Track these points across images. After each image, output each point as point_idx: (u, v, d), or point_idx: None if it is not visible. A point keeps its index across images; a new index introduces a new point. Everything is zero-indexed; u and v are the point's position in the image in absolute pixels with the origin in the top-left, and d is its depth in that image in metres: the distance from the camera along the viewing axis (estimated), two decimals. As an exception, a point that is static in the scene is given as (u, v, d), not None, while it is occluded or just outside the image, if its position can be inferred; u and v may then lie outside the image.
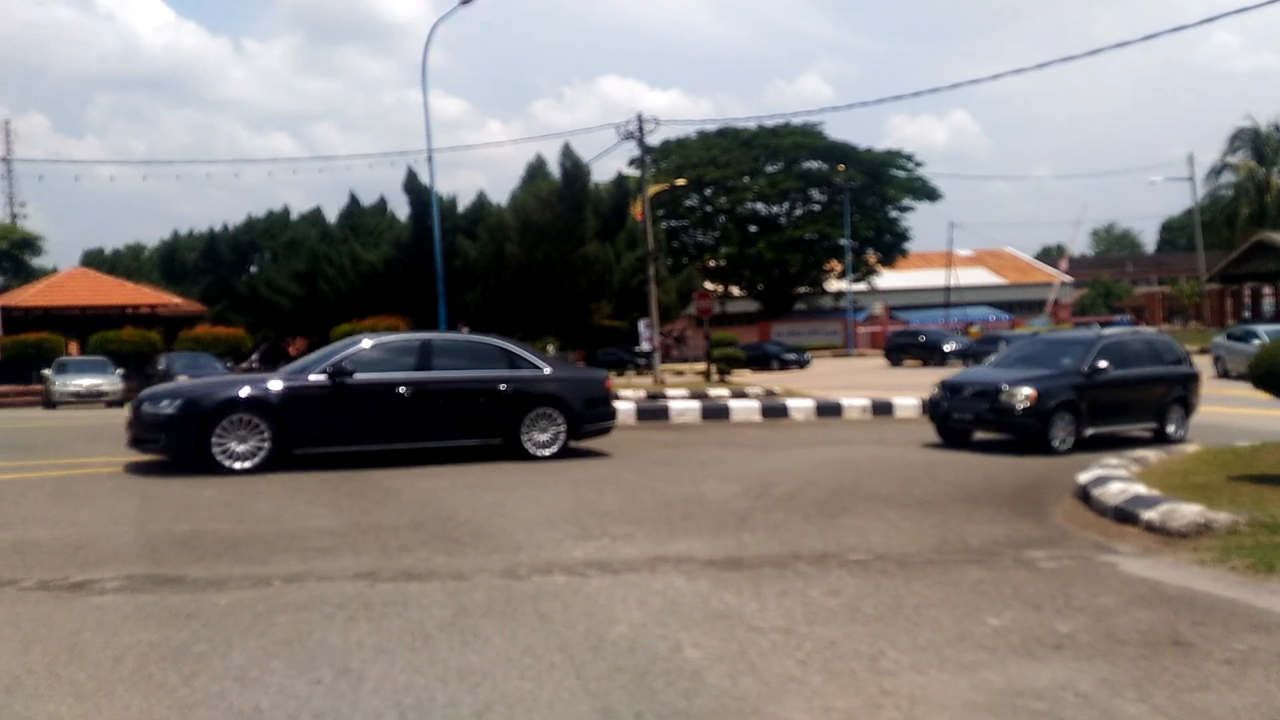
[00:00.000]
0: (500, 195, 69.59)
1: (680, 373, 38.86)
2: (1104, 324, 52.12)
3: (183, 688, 4.00)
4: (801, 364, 44.17)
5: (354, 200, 45.41)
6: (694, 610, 5.14)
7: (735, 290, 61.11)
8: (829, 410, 18.97)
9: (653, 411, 18.29)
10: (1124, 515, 7.42)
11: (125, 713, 3.74)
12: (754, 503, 8.57)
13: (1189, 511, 6.95)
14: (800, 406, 19.09)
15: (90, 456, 12.43)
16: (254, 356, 36.66)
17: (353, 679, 4.09)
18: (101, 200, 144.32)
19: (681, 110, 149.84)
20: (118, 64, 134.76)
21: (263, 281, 43.70)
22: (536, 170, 36.26)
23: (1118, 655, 4.40)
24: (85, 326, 36.10)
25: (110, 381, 27.88)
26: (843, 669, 4.22)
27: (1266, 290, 48.84)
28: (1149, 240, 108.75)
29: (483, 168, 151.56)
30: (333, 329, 37.16)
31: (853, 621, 4.95)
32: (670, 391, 24.90)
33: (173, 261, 52.87)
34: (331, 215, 47.40)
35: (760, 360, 43.35)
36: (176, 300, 40.65)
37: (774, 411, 18.75)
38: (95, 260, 57.73)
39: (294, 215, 52.13)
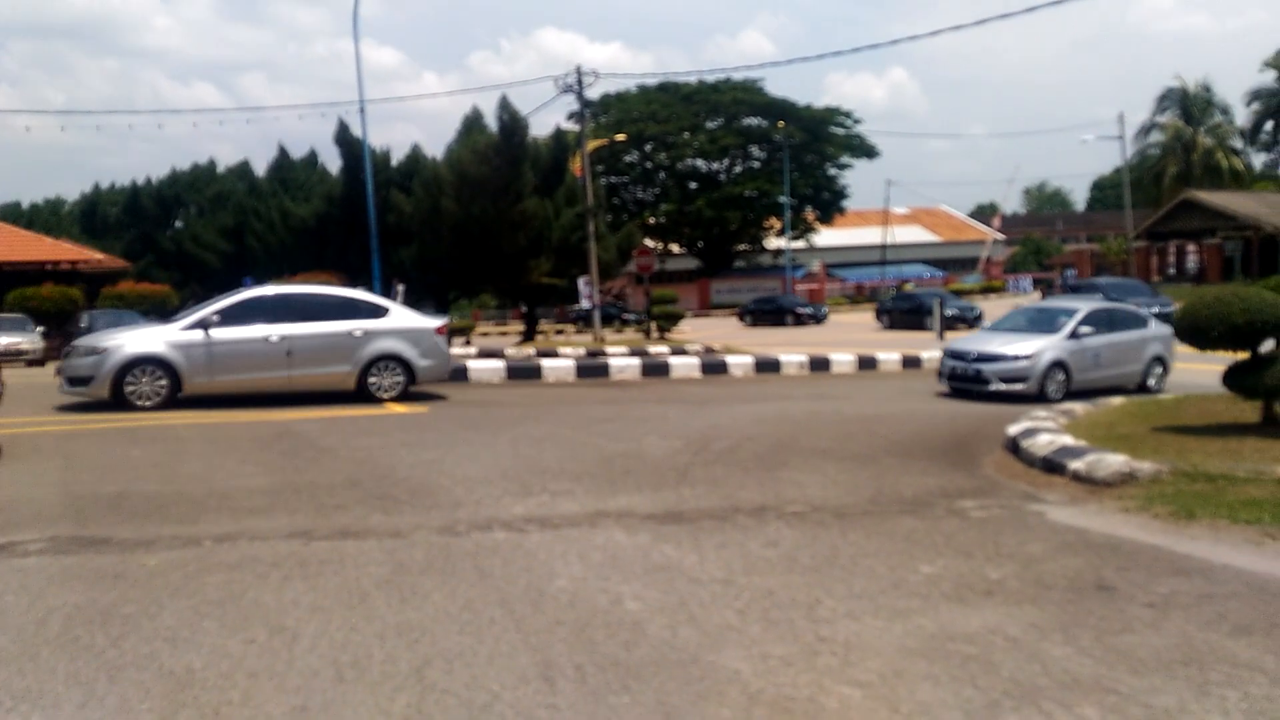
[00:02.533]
0: (436, 149, 68.31)
1: (620, 330, 38.86)
2: (1058, 277, 53.34)
3: (111, 649, 3.91)
4: (819, 319, 43.03)
5: (283, 153, 44.27)
6: (634, 563, 5.16)
7: (675, 248, 61.05)
8: (768, 366, 19.14)
9: (593, 369, 18.27)
10: (1052, 466, 7.61)
11: (51, 676, 3.64)
12: (694, 458, 8.61)
13: (1114, 461, 7.15)
14: (739, 363, 19.24)
15: (12, 416, 12.01)
16: (180, 314, 35.72)
17: (288, 637, 4.03)
18: (18, 152, 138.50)
19: (622, 64, 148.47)
20: (33, 10, 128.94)
21: (188, 237, 42.49)
22: (473, 123, 35.60)
23: (1045, 600, 4.52)
24: (2, 283, 34.77)
25: (30, 340, 26.94)
26: (780, 618, 4.28)
27: (1191, 248, 50.26)
28: (1079, 199, 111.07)
29: (418, 120, 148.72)
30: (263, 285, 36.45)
31: (790, 571, 5.01)
32: (610, 349, 24.90)
33: (94, 216, 51.20)
34: (260, 168, 46.32)
35: (774, 314, 42.77)
36: (98, 256, 39.30)
37: (714, 368, 18.87)
38: (12, 214, 55.61)
39: (220, 168, 50.78)
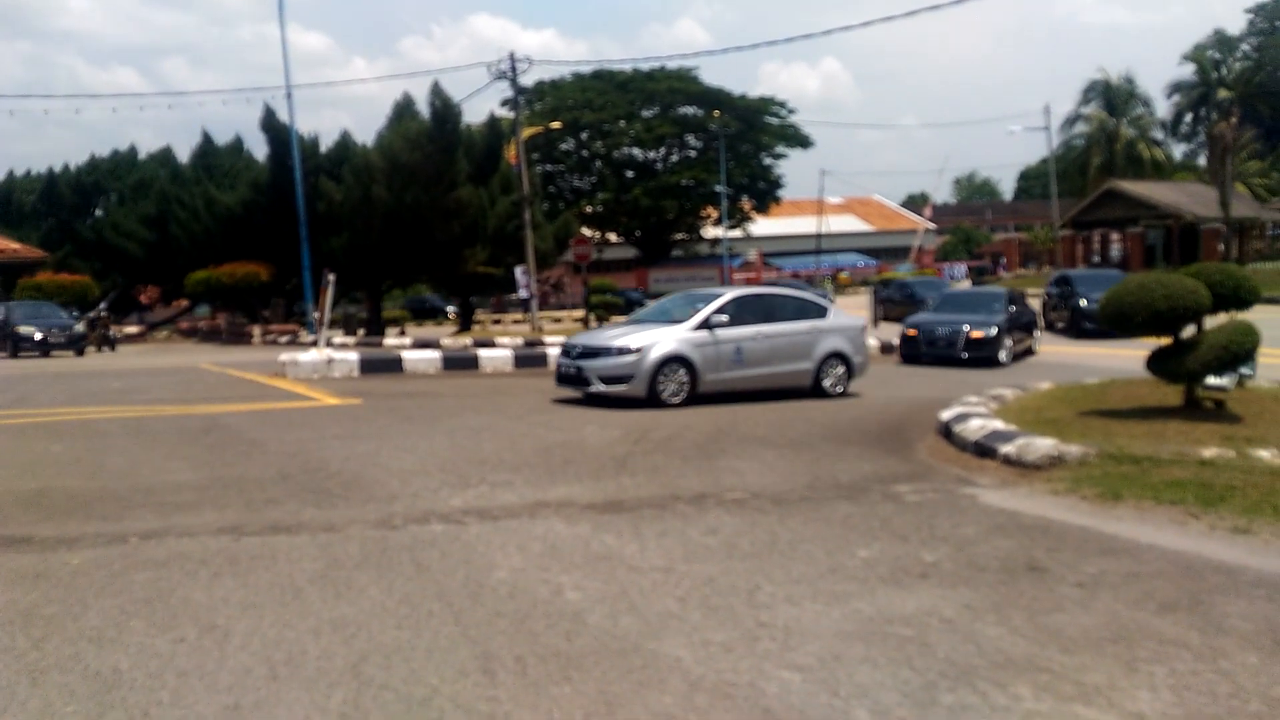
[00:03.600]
0: (366, 136, 67.29)
1: (558, 319, 38.68)
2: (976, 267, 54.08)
3: (33, 651, 3.77)
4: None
5: (207, 139, 43.10)
6: (574, 553, 5.13)
7: (613, 237, 60.95)
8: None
9: (531, 358, 18.15)
10: (983, 450, 7.76)
11: (-34, 682, 3.50)
12: (633, 447, 8.60)
13: (1043, 445, 7.31)
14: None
15: (-79, 412, 11.54)
16: (102, 305, 34.56)
17: (219, 635, 3.93)
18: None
19: (556, 51, 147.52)
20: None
21: (109, 225, 41.09)
22: (404, 110, 35.02)
23: (979, 582, 4.60)
24: (-88, 274, 33.40)
25: (-56, 333, 25.90)
26: (721, 604, 4.29)
27: (1115, 236, 51.66)
28: (1007, 188, 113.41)
29: (348, 107, 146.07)
30: (188, 275, 35.42)
31: (730, 558, 5.03)
32: (548, 339, 24.77)
33: (9, 204, 49.30)
34: (183, 155, 44.98)
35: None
36: (14, 246, 37.98)
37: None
38: (-79, 202, 53.24)
39: (142, 155, 49.25)
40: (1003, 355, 17.78)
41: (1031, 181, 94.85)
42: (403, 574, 4.77)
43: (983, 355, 17.70)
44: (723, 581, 4.62)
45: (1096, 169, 56.22)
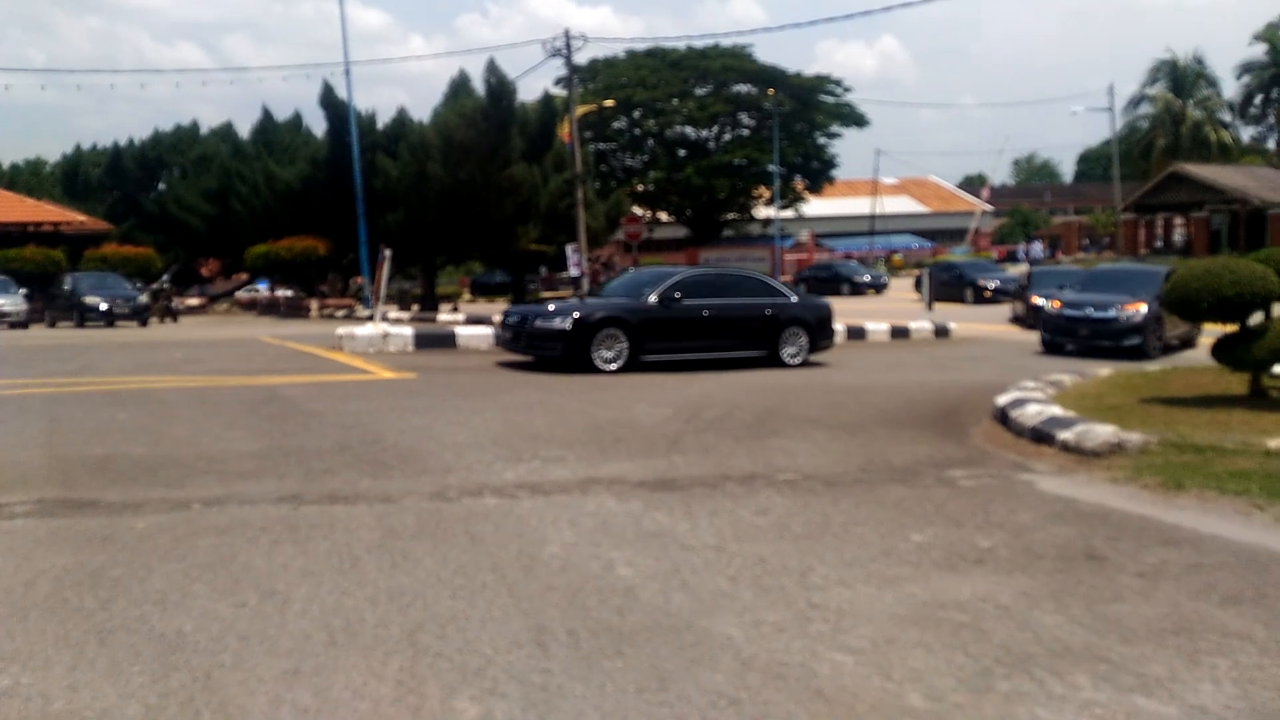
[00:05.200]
0: (422, 113, 67.73)
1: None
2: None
3: (100, 612, 3.88)
4: (879, 288, 40.71)
5: (267, 115, 43.62)
6: (626, 530, 5.15)
7: (664, 216, 60.77)
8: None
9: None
10: (1041, 436, 7.64)
11: (40, 638, 3.61)
12: (684, 425, 8.60)
13: (1103, 432, 7.18)
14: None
15: (-7, 379, 11.90)
16: (165, 277, 35.38)
17: (279, 601, 4.01)
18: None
19: (611, 28, 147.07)
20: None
21: (172, 199, 41.90)
22: (460, 87, 35.17)
23: (1036, 569, 4.54)
24: (-17, 244, 34.36)
25: (13, 302, 26.70)
26: (772, 584, 4.28)
27: (1179, 221, 50.37)
28: (1067, 171, 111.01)
29: (404, 83, 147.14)
30: (247, 249, 36.04)
31: (782, 539, 5.01)
32: (598, 316, 24.76)
33: (75, 177, 50.54)
34: (244, 131, 45.52)
35: (829, 283, 40.24)
36: (81, 218, 38.90)
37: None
38: (-8, 175, 54.82)
39: (204, 130, 50.05)
40: (604, 358, 13.15)
41: (1093, 164, 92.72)
42: (457, 545, 4.83)
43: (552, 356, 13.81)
44: (774, 562, 4.61)
45: (1161, 151, 54.79)
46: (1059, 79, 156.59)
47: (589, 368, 12.86)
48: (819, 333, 14.68)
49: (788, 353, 14.23)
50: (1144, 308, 16.27)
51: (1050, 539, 5.04)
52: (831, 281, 40.60)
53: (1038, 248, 57.13)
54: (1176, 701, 3.17)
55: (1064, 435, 7.35)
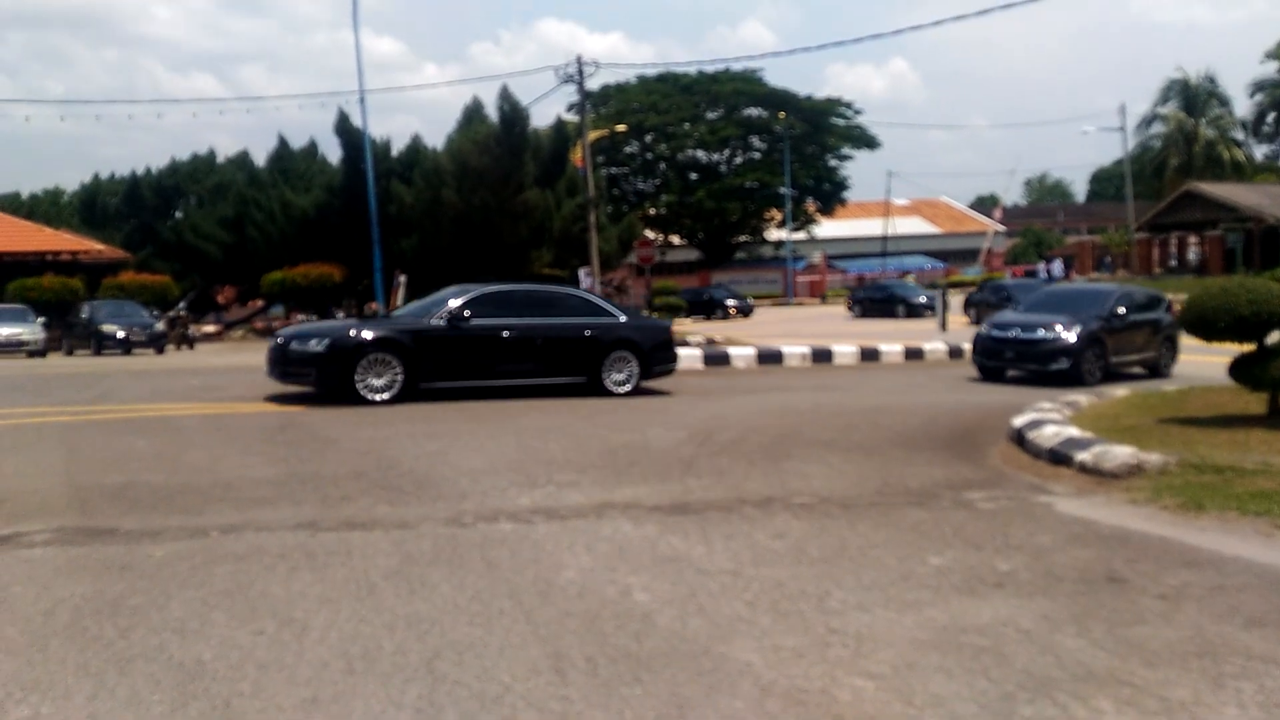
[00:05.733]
0: (436, 139, 68.06)
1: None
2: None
3: (120, 640, 3.89)
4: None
5: (283, 143, 44.07)
6: (642, 555, 5.14)
7: (676, 239, 60.93)
8: (770, 358, 19.13)
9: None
10: (1058, 457, 7.59)
11: (60, 667, 3.62)
12: (698, 449, 8.59)
13: (1121, 453, 7.13)
14: (742, 354, 19.23)
15: (12, 407, 12.00)
16: (182, 305, 35.60)
17: (297, 629, 4.01)
18: (17, 143, 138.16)
19: (623, 54, 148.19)
20: (33, 1, 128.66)
21: (188, 227, 42.27)
22: (473, 114, 35.46)
23: (1056, 592, 4.50)
24: (2, 274, 34.73)
25: (31, 330, 26.91)
26: (790, 609, 4.26)
27: (1193, 239, 50.19)
28: (1080, 190, 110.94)
29: (418, 111, 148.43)
30: (263, 276, 36.27)
31: (799, 563, 4.99)
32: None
33: (93, 206, 51.04)
34: (260, 159, 45.99)
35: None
36: (99, 246, 39.26)
37: (716, 359, 18.85)
38: (11, 205, 55.41)
39: (220, 158, 50.57)
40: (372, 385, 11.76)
41: (1105, 183, 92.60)
42: (474, 571, 4.83)
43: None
44: (792, 586, 4.59)
45: (1174, 170, 54.70)
46: (1070, 99, 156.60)
47: (354, 398, 11.42)
48: (653, 357, 13.30)
49: (613, 379, 12.92)
50: (1076, 329, 15.04)
51: (1070, 561, 5.00)
52: (886, 303, 39.36)
53: (1058, 266, 56.87)
54: (1202, 726, 3.13)
55: (1082, 456, 7.30)
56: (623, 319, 13.54)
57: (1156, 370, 16.19)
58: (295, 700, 3.34)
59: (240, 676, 3.53)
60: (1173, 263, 51.06)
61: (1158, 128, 58.39)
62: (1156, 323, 16.41)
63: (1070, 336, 15.00)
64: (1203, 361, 15.42)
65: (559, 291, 14.50)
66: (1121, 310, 15.73)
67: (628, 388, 13.00)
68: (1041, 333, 15.28)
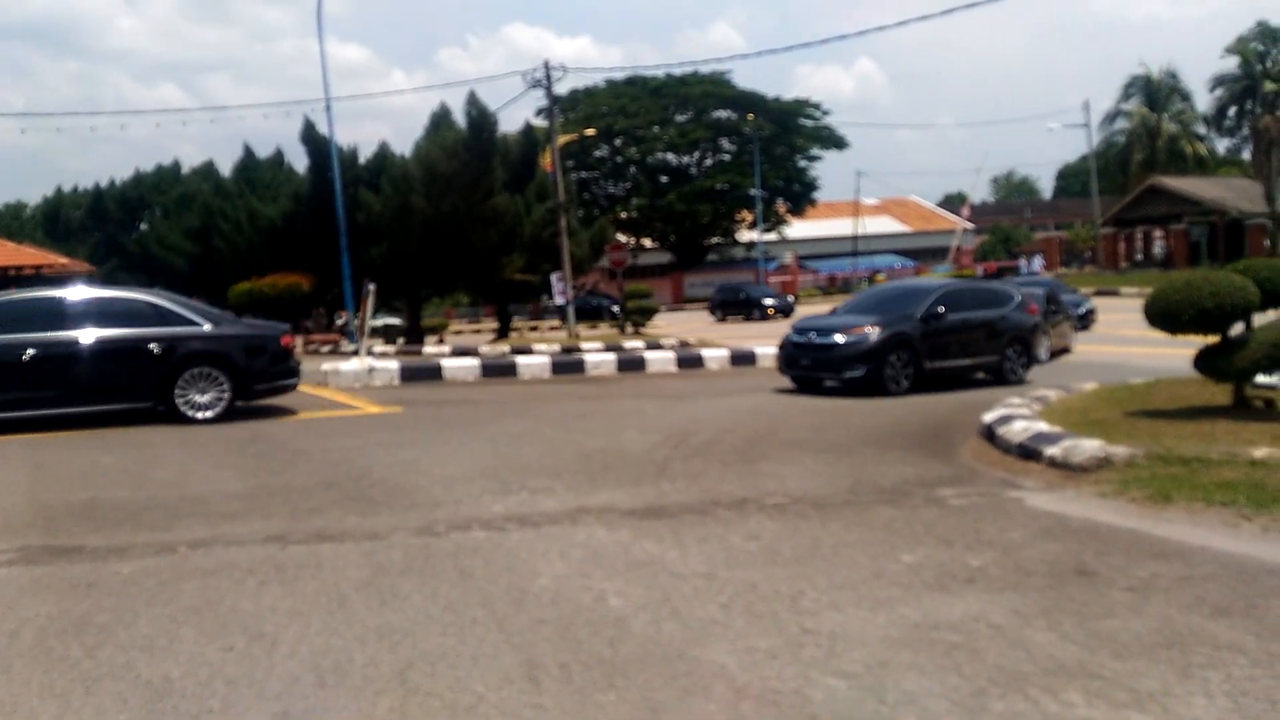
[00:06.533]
0: (404, 146, 67.84)
1: (595, 325, 38.76)
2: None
3: (86, 660, 3.83)
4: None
5: (249, 153, 43.67)
6: (616, 560, 5.13)
7: (648, 242, 61.01)
8: (743, 359, 19.15)
9: (568, 365, 18.22)
10: (1028, 452, 7.66)
11: (25, 688, 3.57)
12: (672, 452, 8.59)
13: (1089, 447, 7.20)
14: (715, 356, 19.23)
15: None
16: (150, 317, 35.19)
17: (267, 644, 3.97)
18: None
19: (591, 58, 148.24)
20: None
21: (154, 239, 41.93)
22: (441, 120, 35.28)
23: (1027, 586, 4.54)
24: (-36, 289, 34.20)
25: (-5, 347, 26.49)
26: (764, 610, 4.26)
27: (1158, 233, 50.83)
28: (1046, 187, 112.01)
29: (387, 118, 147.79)
30: (231, 287, 35.93)
31: (773, 564, 5.00)
32: (585, 345, 24.84)
33: (57, 220, 50.44)
34: (225, 169, 45.58)
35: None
36: (63, 260, 38.69)
37: (689, 362, 18.85)
38: (-27, 219, 54.64)
39: (185, 169, 50.12)
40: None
41: (1071, 179, 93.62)
42: (446, 581, 4.80)
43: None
44: (765, 588, 4.59)
45: (1138, 165, 55.39)
46: (1035, 97, 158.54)
47: None
48: (252, 373, 11.29)
49: (192, 403, 10.97)
50: (876, 332, 13.29)
51: (1040, 556, 5.04)
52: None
53: (1039, 262, 57.51)
54: (1170, 716, 3.17)
55: (1051, 451, 7.37)
56: (207, 327, 11.28)
57: (1001, 375, 14.30)
58: (265, 715, 3.31)
59: (209, 693, 3.49)
60: (1139, 257, 51.72)
61: (1121, 123, 59.13)
62: (995, 322, 14.41)
63: (868, 340, 13.21)
64: (1166, 354, 15.64)
65: (121, 297, 11.67)
66: (940, 310, 13.83)
67: (212, 412, 11.02)
68: (837, 337, 13.41)
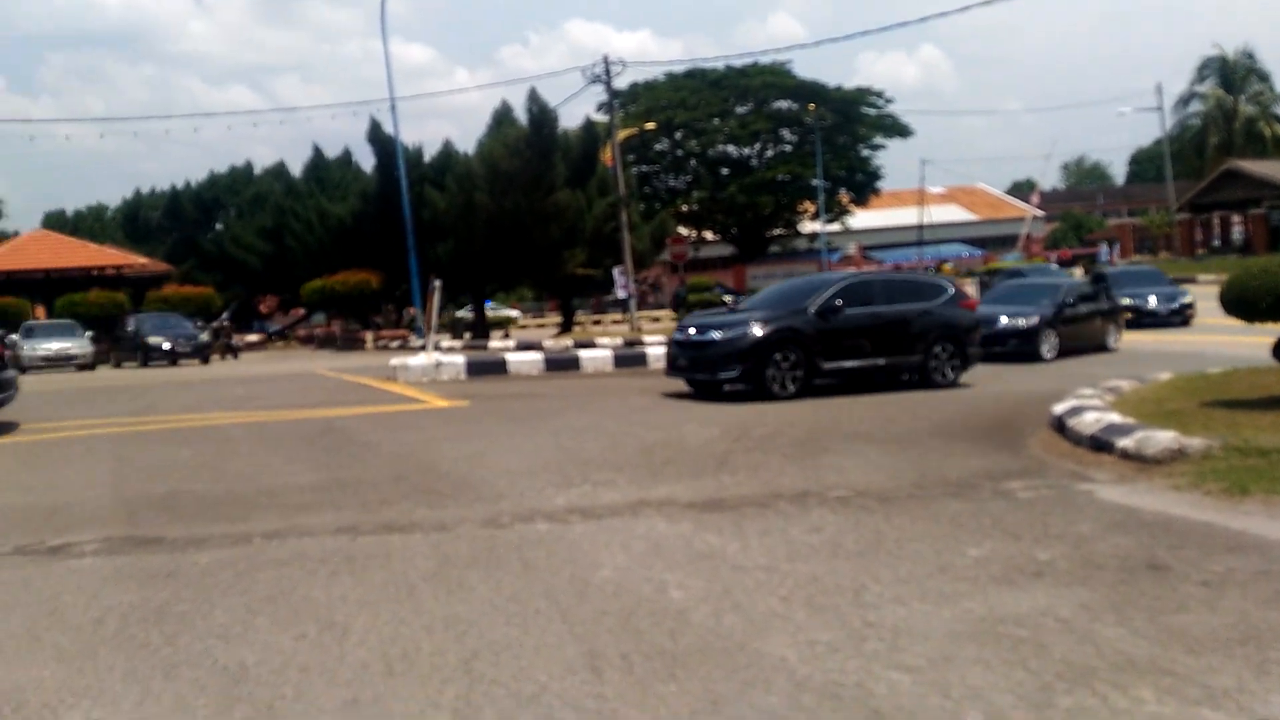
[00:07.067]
0: (468, 144, 68.62)
1: (657, 318, 38.80)
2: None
3: (166, 647, 3.98)
4: None
5: (318, 153, 44.60)
6: (677, 552, 5.15)
7: (709, 235, 60.83)
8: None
9: (630, 358, 18.26)
10: (1099, 444, 7.49)
11: (109, 674, 3.71)
12: (733, 444, 8.59)
13: (1163, 438, 7.02)
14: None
15: (62, 420, 12.27)
16: (225, 315, 36.20)
17: (338, 632, 4.08)
18: (60, 161, 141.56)
19: (651, 52, 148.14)
20: (72, 21, 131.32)
21: (229, 239, 43.06)
22: (503, 117, 35.67)
23: (1096, 581, 4.45)
24: (50, 289, 35.52)
25: (79, 345, 27.50)
26: (826, 604, 4.25)
27: (1235, 218, 49.18)
28: (1119, 172, 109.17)
29: (450, 116, 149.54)
30: (303, 285, 36.76)
31: (835, 557, 4.98)
32: (647, 338, 24.90)
33: (136, 221, 51.98)
34: (296, 169, 46.62)
35: None
36: (142, 260, 40.03)
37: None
38: (57, 222, 56.68)
39: (258, 170, 51.30)
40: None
41: (1145, 164, 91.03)
42: (511, 572, 4.87)
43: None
44: (827, 581, 4.58)
45: (1214, 149, 53.59)
46: (1105, 80, 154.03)
47: None
48: None
49: None
50: (755, 328, 11.94)
51: (1111, 550, 4.94)
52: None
53: (1110, 250, 56.33)
54: (1245, 713, 3.09)
55: (1123, 442, 7.20)
56: None
57: (926, 377, 12.82)
58: (336, 702, 3.40)
59: (283, 680, 3.60)
60: (1216, 243, 50.08)
61: (1196, 106, 57.23)
62: (916, 318, 12.91)
63: (748, 337, 11.91)
64: (1244, 343, 15.15)
65: None
66: (838, 303, 12.34)
67: None
68: (714, 334, 12.25)
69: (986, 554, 4.94)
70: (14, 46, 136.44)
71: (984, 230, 73.51)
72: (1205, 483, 6.13)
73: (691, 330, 12.74)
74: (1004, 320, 16.61)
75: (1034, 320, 16.64)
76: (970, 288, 26.03)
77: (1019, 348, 16.39)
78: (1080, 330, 17.57)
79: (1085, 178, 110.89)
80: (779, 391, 11.80)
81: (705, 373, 12.33)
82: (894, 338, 12.76)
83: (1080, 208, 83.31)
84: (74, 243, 40.66)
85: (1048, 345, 16.52)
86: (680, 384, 13.07)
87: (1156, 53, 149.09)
